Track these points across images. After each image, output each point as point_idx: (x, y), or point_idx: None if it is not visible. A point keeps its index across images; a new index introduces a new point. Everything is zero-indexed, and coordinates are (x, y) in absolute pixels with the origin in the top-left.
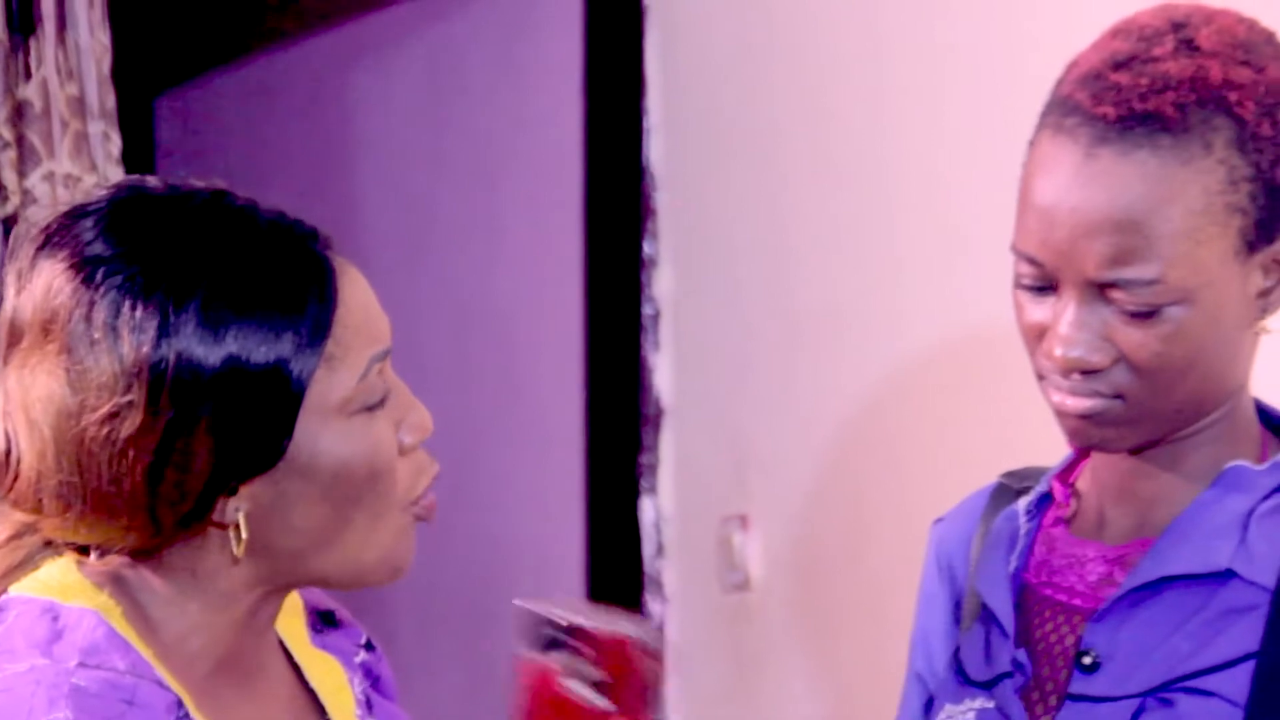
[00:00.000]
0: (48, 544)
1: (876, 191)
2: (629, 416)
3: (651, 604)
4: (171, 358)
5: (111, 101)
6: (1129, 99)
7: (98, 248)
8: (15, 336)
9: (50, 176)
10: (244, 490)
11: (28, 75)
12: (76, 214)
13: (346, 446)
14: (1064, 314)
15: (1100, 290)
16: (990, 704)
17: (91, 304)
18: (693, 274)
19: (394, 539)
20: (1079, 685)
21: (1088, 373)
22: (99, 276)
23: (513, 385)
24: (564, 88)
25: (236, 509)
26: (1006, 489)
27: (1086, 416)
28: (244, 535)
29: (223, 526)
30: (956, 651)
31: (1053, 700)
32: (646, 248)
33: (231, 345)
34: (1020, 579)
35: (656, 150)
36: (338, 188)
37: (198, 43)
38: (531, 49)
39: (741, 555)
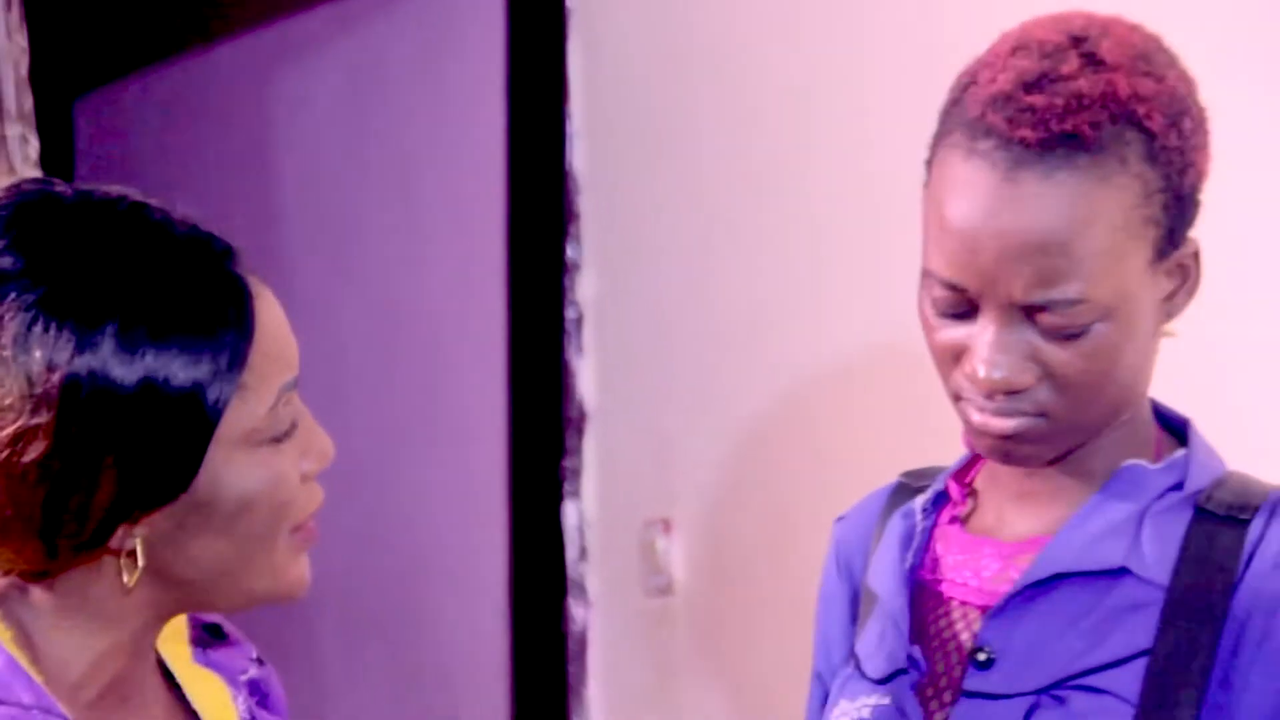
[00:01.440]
0: None
1: (798, 195)
2: (552, 420)
3: (574, 608)
4: (85, 381)
5: (29, 104)
6: (1046, 120)
7: (6, 261)
8: None
9: None
10: (144, 519)
11: None
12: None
13: (251, 479)
14: (985, 336)
15: (1023, 311)
16: (886, 700)
17: (0, 321)
18: (615, 278)
19: (285, 565)
20: (974, 682)
21: (1011, 393)
22: (8, 294)
23: (436, 389)
24: (486, 92)
25: (134, 537)
26: (906, 487)
27: (1009, 436)
28: (139, 564)
29: (117, 554)
30: (852, 648)
31: (948, 696)
32: (569, 251)
33: (147, 370)
34: (916, 576)
35: (579, 154)
36: (258, 192)
37: (117, 46)
38: (453, 53)
39: (664, 559)
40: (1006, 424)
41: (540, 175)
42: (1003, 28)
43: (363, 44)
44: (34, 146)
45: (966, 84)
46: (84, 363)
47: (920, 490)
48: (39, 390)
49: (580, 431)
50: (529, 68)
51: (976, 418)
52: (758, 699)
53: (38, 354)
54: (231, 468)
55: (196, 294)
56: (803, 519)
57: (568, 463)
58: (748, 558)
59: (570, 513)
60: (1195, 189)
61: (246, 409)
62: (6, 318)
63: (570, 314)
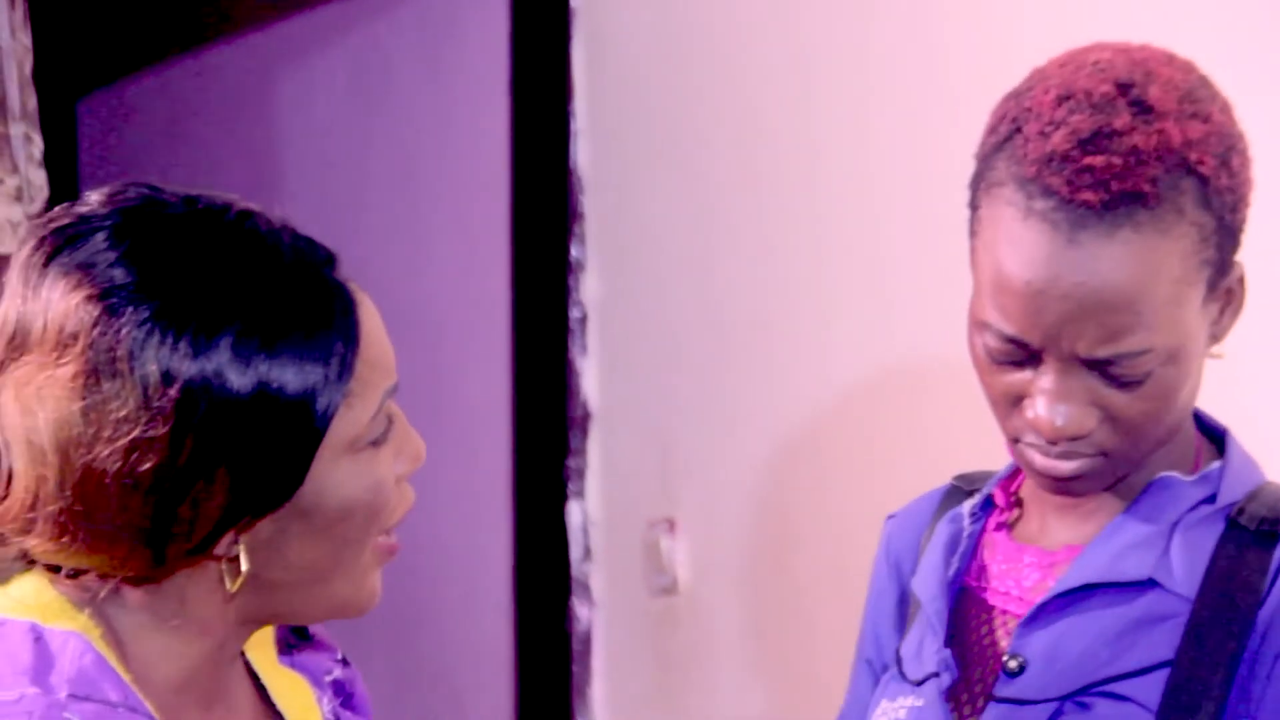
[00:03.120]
0: (21, 557)
1: (803, 193)
2: (556, 420)
3: (579, 608)
4: (201, 391)
5: (33, 103)
6: (1106, 181)
7: (118, 274)
8: (17, 348)
9: None
10: (251, 526)
11: None
12: (85, 224)
13: (353, 486)
14: (1047, 384)
15: (1085, 361)
16: (921, 702)
17: (117, 335)
18: (620, 278)
19: (366, 573)
20: (1003, 688)
21: (1073, 439)
22: (124, 307)
23: (440, 389)
24: (490, 92)
25: (239, 544)
26: (958, 490)
27: (1071, 477)
28: (244, 569)
29: (220, 560)
30: (899, 648)
31: (980, 702)
32: (574, 251)
33: (261, 379)
34: (961, 582)
35: (583, 154)
36: (261, 192)
37: (121, 45)
38: (457, 53)
39: (669, 559)
40: (1069, 466)
41: (544, 175)
42: (1003, 31)
43: (366, 43)
44: (38, 146)
45: (1011, 131)
46: (200, 373)
47: (971, 494)
48: (156, 403)
49: (584, 431)
50: (533, 67)
51: (1039, 461)
52: (761, 698)
53: (153, 366)
54: (336, 473)
55: (306, 302)
56: (806, 519)
57: (572, 462)
58: (752, 558)
59: (574, 512)
60: (1243, 220)
61: (352, 415)
62: (123, 331)
63: (574, 314)
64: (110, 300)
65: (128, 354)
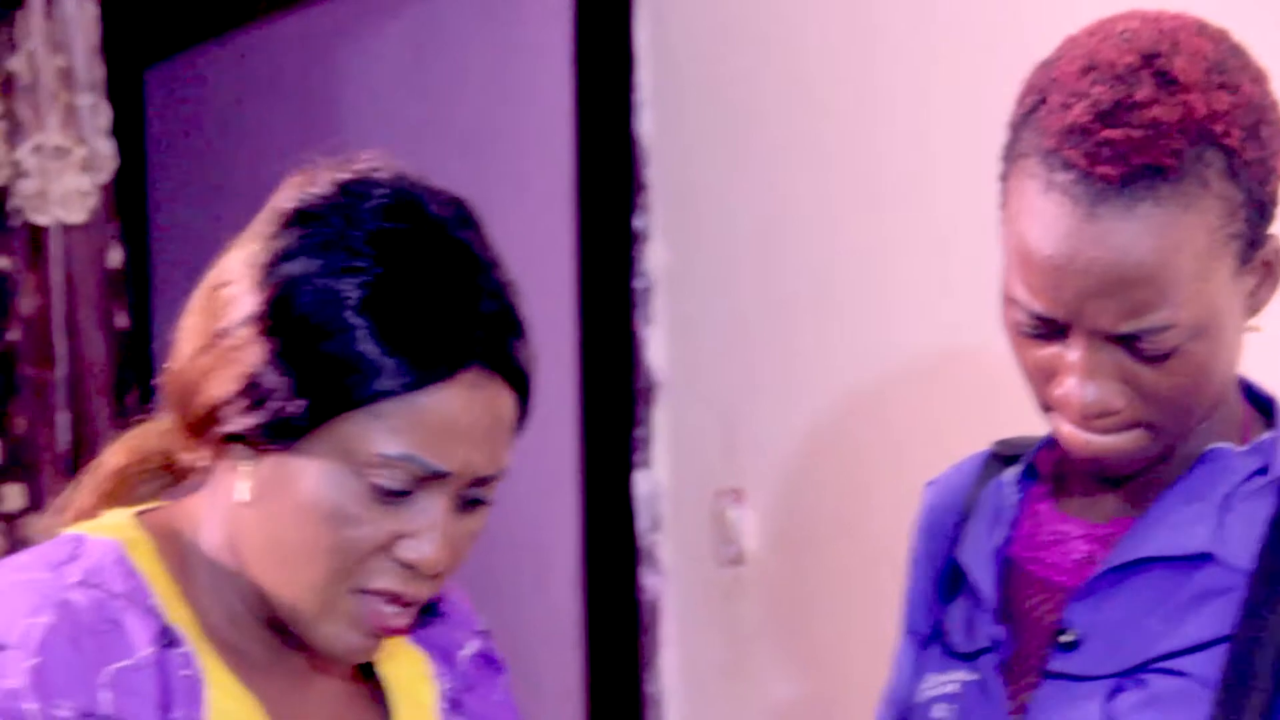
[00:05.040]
0: (155, 478)
1: (867, 162)
2: (622, 391)
3: (647, 578)
4: (298, 295)
5: (100, 73)
6: (1126, 155)
7: (356, 243)
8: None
9: (40, 149)
10: (259, 449)
11: (15, 48)
12: (356, 193)
13: (327, 489)
14: (1077, 360)
15: (1112, 337)
16: (973, 677)
17: (282, 243)
18: (684, 248)
19: (330, 615)
20: (1057, 663)
21: (1106, 414)
22: (345, 274)
23: None
24: (554, 62)
25: (246, 464)
26: (998, 458)
27: (1106, 453)
28: (244, 497)
29: (231, 464)
30: (941, 621)
31: (1033, 677)
32: (638, 222)
33: (354, 330)
34: (1005, 553)
35: (647, 124)
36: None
37: (188, 15)
38: (521, 23)
39: (736, 529)
40: (1103, 440)
41: (608, 146)
42: (1073, 13)
43: (430, 14)
44: (105, 115)
45: (1036, 101)
46: (310, 285)
47: (1012, 460)
48: (259, 279)
49: (650, 402)
50: (596, 36)
51: (1077, 440)
52: (830, 667)
53: (287, 266)
54: (325, 466)
55: (448, 323)
56: (874, 488)
57: (638, 433)
58: (820, 527)
59: (642, 483)
60: (1276, 192)
61: (375, 431)
62: (286, 242)
63: (639, 284)
64: (333, 258)
65: (279, 254)
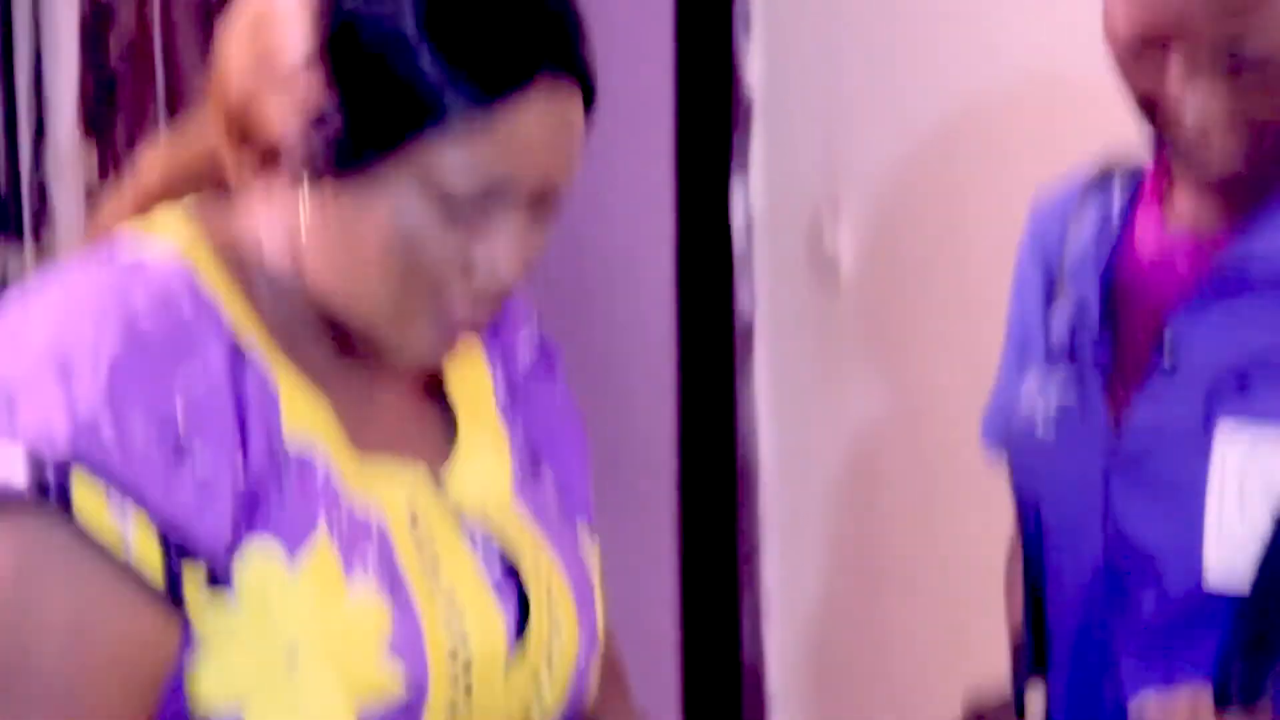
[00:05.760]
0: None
1: None
2: (720, 105)
3: (741, 291)
4: (359, 29)
5: None
6: None
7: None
8: None
9: None
10: (326, 174)
11: None
12: None
13: (404, 213)
14: (1176, 72)
15: (1210, 58)
16: (1074, 387)
17: None
18: None
19: (411, 322)
20: (1158, 371)
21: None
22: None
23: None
24: None
25: (311, 189)
26: (1109, 171)
27: (1211, 152)
28: (302, 219)
29: (291, 183)
30: (1045, 329)
31: (1135, 385)
32: None
33: (415, 52)
34: (1110, 263)
35: None
36: None
37: None
38: None
39: (832, 244)
40: (1208, 149)
41: None
42: None
43: None
44: None
45: None
46: (370, 12)
47: (1120, 176)
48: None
49: (748, 117)
50: None
51: (1195, 154)
52: (922, 383)
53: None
54: (398, 191)
55: (516, 31)
56: (973, 206)
57: (736, 144)
58: (917, 245)
59: (738, 199)
60: None
61: (449, 151)
62: None
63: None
64: None
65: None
